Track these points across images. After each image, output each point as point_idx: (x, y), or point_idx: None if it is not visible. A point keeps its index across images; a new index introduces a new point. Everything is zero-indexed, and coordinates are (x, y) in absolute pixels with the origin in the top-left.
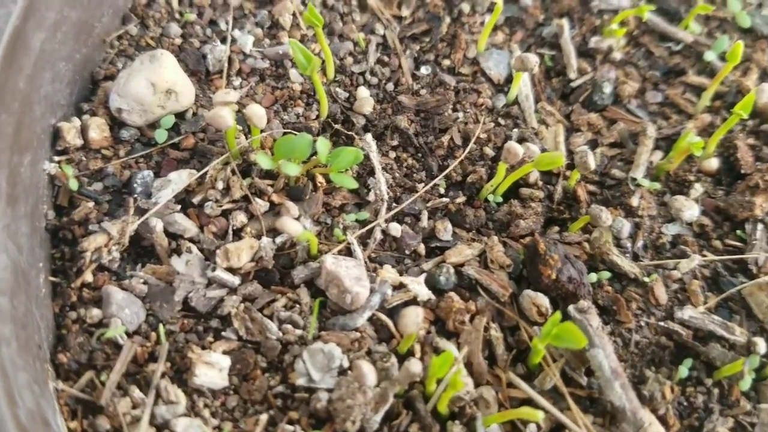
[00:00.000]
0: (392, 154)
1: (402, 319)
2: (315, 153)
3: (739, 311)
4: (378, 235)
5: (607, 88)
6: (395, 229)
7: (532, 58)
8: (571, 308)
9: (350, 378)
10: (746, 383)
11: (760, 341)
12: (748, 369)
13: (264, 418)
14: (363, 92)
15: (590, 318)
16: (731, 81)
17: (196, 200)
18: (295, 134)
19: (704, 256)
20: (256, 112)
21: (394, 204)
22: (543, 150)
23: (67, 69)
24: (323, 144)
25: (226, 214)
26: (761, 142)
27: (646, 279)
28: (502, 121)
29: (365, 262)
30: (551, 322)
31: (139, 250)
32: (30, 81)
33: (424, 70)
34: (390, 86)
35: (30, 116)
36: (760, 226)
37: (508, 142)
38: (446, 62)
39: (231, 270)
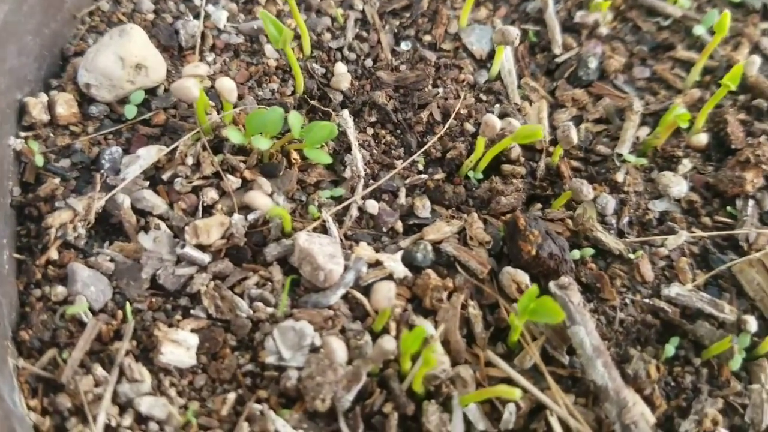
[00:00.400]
0: (370, 131)
1: (374, 294)
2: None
3: (730, 289)
4: (354, 212)
5: (593, 64)
6: (372, 206)
7: (513, 31)
8: (551, 284)
9: (320, 355)
10: (736, 363)
11: (750, 319)
12: (738, 348)
13: (232, 396)
14: (340, 68)
15: (571, 294)
16: (721, 56)
17: (165, 176)
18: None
19: (693, 232)
20: (226, 86)
21: (371, 181)
22: (527, 125)
23: (34, 43)
24: (295, 118)
25: (196, 190)
26: (752, 116)
27: (631, 256)
28: (483, 96)
29: (341, 240)
30: (528, 297)
31: (107, 227)
32: None
33: (404, 46)
34: (368, 62)
35: None
36: (751, 202)
37: (486, 115)
38: (427, 38)
39: (201, 247)
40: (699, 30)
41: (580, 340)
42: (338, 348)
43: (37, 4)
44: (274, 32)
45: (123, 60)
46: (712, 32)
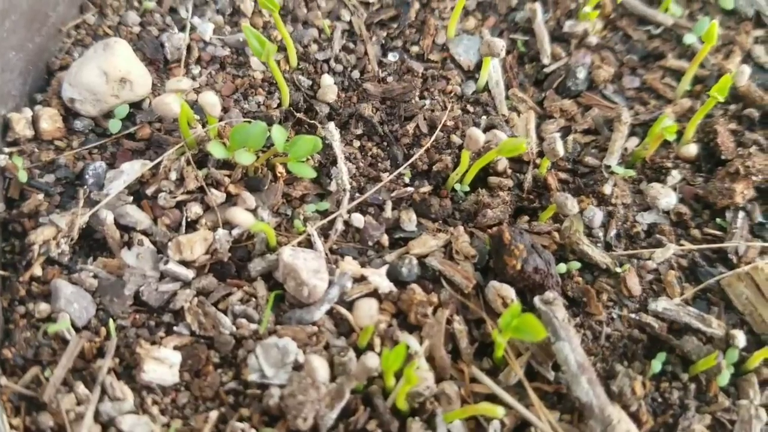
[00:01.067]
0: (356, 143)
1: (356, 311)
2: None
3: (718, 303)
4: (340, 226)
5: (581, 74)
6: (358, 219)
7: (499, 43)
8: (536, 299)
9: (302, 373)
10: (724, 378)
11: (738, 334)
12: (725, 363)
13: (214, 415)
14: (327, 80)
15: (556, 309)
16: (713, 64)
17: (149, 191)
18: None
19: (681, 245)
20: (209, 100)
21: (357, 194)
22: (512, 137)
23: (18, 59)
24: (279, 132)
25: (180, 205)
26: (743, 126)
27: (618, 269)
28: (471, 108)
29: (326, 254)
30: (510, 314)
31: (91, 242)
32: None
33: (392, 57)
34: (355, 74)
35: None
36: (740, 214)
37: (469, 129)
38: (414, 49)
39: (184, 263)
40: (690, 38)
41: (564, 356)
42: (320, 366)
43: (20, 19)
44: (257, 46)
45: (107, 74)
46: (703, 40)
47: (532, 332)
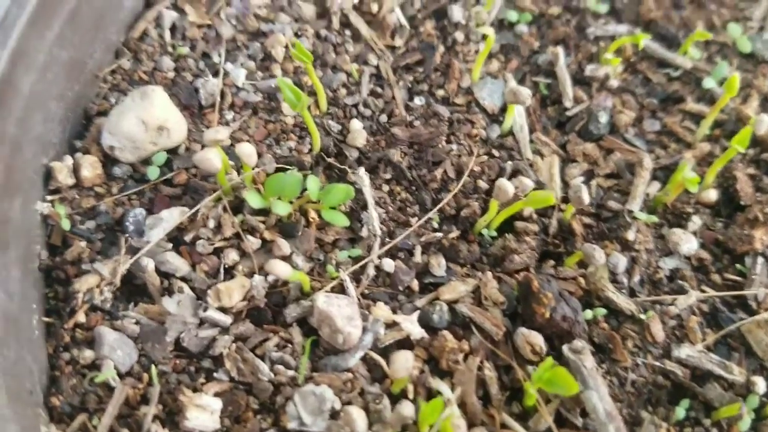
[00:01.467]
0: (385, 188)
1: (392, 364)
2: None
3: (739, 348)
4: (371, 271)
5: (603, 118)
6: (389, 264)
7: (525, 92)
8: (565, 348)
9: (340, 422)
10: (745, 424)
11: (759, 380)
12: (746, 409)
13: None
14: (356, 125)
15: (584, 359)
16: (731, 108)
17: (188, 238)
18: (288, 168)
19: (703, 291)
20: (246, 151)
21: (387, 239)
22: (537, 182)
23: (58, 107)
24: (313, 182)
25: (217, 252)
26: (762, 171)
27: (642, 316)
28: (496, 152)
29: (358, 299)
30: (543, 368)
31: (132, 288)
32: (20, 124)
33: (418, 101)
34: (383, 118)
35: (21, 159)
36: (760, 260)
37: (498, 180)
38: (440, 92)
39: (223, 309)
40: (709, 83)
41: (593, 405)
42: (358, 417)
43: (60, 70)
44: (292, 98)
45: (145, 123)
46: (722, 84)
47: (564, 386)
